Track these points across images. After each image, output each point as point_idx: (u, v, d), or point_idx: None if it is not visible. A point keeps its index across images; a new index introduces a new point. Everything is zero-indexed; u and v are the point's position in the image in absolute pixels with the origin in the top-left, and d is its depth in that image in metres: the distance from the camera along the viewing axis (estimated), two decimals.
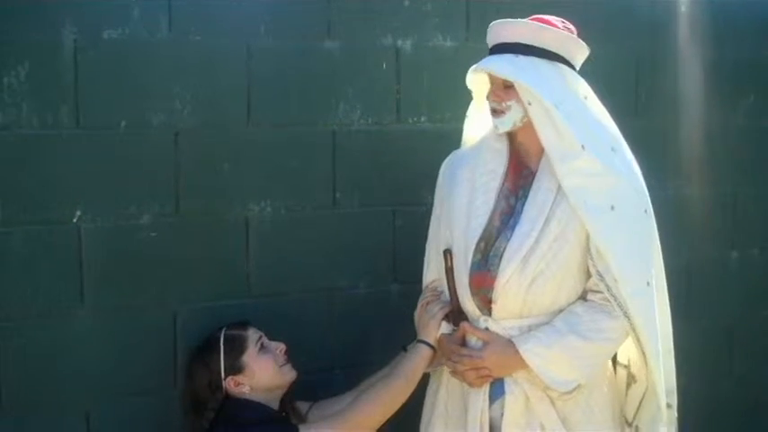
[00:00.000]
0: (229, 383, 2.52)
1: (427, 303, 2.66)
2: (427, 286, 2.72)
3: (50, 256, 2.54)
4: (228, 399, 2.52)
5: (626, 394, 2.64)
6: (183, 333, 2.68)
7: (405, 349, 2.66)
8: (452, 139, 2.77)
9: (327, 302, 2.91)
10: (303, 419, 2.60)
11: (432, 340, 2.60)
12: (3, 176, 2.48)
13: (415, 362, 2.59)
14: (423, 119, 3.01)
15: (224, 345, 2.53)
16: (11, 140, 2.48)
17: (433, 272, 2.70)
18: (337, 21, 2.87)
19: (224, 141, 2.73)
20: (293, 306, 2.85)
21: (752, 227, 3.72)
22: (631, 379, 2.61)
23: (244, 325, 2.60)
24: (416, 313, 2.70)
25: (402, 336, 2.69)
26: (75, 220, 2.56)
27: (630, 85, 3.39)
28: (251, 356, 2.53)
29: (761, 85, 3.69)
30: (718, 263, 3.67)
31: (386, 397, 2.56)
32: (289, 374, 2.59)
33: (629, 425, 2.61)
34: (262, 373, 2.54)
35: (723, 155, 3.61)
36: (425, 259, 2.73)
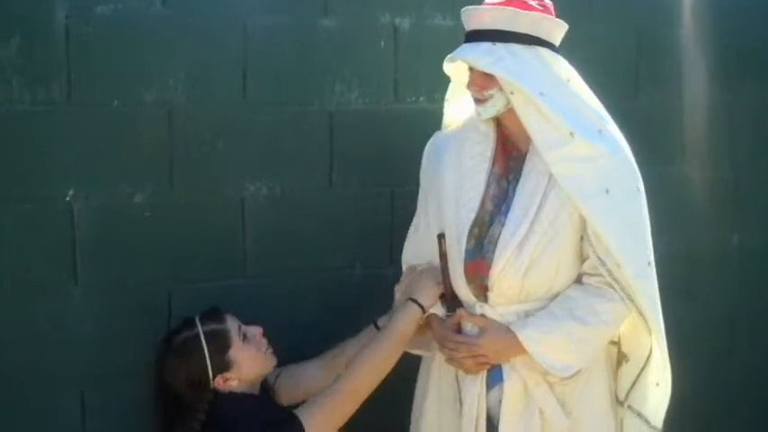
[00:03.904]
0: (218, 382, 2.43)
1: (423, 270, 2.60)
2: (407, 269, 2.68)
3: (42, 234, 2.51)
4: (217, 397, 2.43)
5: (616, 373, 2.60)
6: (178, 313, 2.64)
7: (376, 326, 2.61)
8: None
9: (323, 284, 2.88)
10: (272, 388, 2.54)
11: (426, 302, 2.53)
12: None
13: (405, 321, 2.51)
14: (421, 99, 2.97)
15: (207, 344, 2.43)
16: (1, 117, 2.45)
17: (410, 257, 2.67)
18: None
19: (219, 120, 2.70)
20: (289, 287, 2.82)
21: (753, 210, 3.69)
22: (623, 357, 2.57)
23: (218, 315, 2.49)
24: (397, 286, 2.66)
25: None
26: (67, 198, 2.53)
27: (630, 65, 3.34)
28: (236, 350, 2.45)
29: (765, 66, 3.64)
30: (719, 246, 3.63)
31: (376, 361, 2.48)
32: (272, 360, 2.54)
33: (620, 403, 2.58)
34: (249, 365, 2.47)
35: (725, 137, 3.57)
36: (407, 242, 2.69)
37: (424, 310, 2.54)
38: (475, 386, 2.47)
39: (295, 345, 2.65)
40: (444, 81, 2.80)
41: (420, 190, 2.66)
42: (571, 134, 2.35)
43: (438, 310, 2.56)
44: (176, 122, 2.64)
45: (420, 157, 2.74)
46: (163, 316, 2.65)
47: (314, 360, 2.67)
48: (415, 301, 2.54)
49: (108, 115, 2.56)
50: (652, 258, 2.45)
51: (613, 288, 2.40)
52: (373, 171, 2.93)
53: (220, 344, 2.44)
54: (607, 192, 2.37)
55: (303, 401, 2.49)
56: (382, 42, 2.92)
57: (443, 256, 2.52)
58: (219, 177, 2.71)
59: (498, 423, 2.46)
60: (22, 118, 2.46)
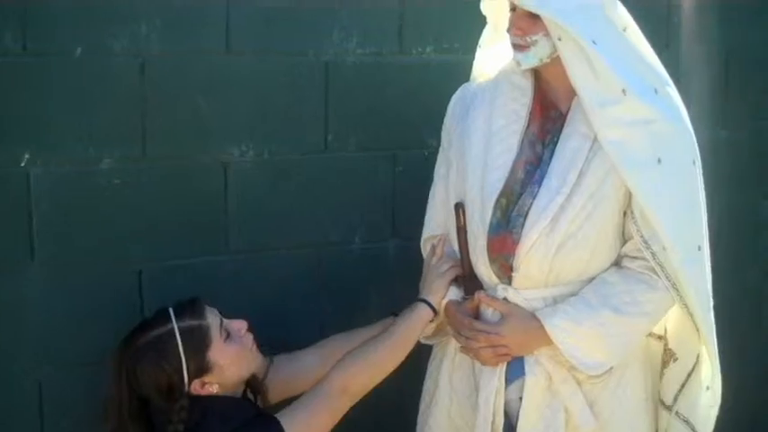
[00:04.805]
0: (195, 387, 2.18)
1: (439, 259, 2.42)
2: (426, 241, 2.49)
3: None
4: (194, 403, 2.17)
5: (662, 373, 2.41)
6: (151, 294, 2.47)
7: (395, 315, 2.41)
8: (463, 74, 2.55)
9: (317, 259, 2.73)
10: (261, 384, 2.32)
11: (435, 302, 2.35)
12: None
13: (412, 323, 2.34)
14: (429, 49, 2.78)
15: (183, 343, 2.16)
16: None
17: (434, 226, 2.47)
18: None
19: (198, 72, 2.51)
20: (278, 264, 2.66)
21: None
22: (670, 356, 2.39)
23: (197, 307, 2.22)
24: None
25: (401, 297, 2.47)
26: (22, 164, 2.35)
27: (662, 15, 3.11)
28: (217, 350, 2.18)
29: None
30: (749, 212, 3.43)
31: (374, 360, 2.30)
32: (257, 358, 2.30)
33: (667, 408, 2.39)
34: (231, 367, 2.21)
35: (762, 95, 3.35)
36: (427, 210, 2.50)
37: (435, 311, 2.34)
38: (493, 380, 2.29)
39: (285, 331, 2.48)
40: (456, 29, 2.67)
41: (440, 150, 2.48)
42: (623, 91, 2.16)
43: (453, 292, 2.37)
44: (150, 75, 2.45)
45: (427, 115, 2.61)
46: (133, 297, 2.49)
47: (310, 348, 2.46)
48: (424, 300, 2.34)
49: (70, 67, 2.37)
50: (704, 243, 2.28)
51: (657, 275, 2.23)
52: (373, 131, 2.75)
53: (198, 343, 2.18)
54: (659, 161, 2.18)
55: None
56: None
57: (462, 228, 2.33)
58: (199, 139, 2.54)
59: (517, 422, 2.28)
60: None
